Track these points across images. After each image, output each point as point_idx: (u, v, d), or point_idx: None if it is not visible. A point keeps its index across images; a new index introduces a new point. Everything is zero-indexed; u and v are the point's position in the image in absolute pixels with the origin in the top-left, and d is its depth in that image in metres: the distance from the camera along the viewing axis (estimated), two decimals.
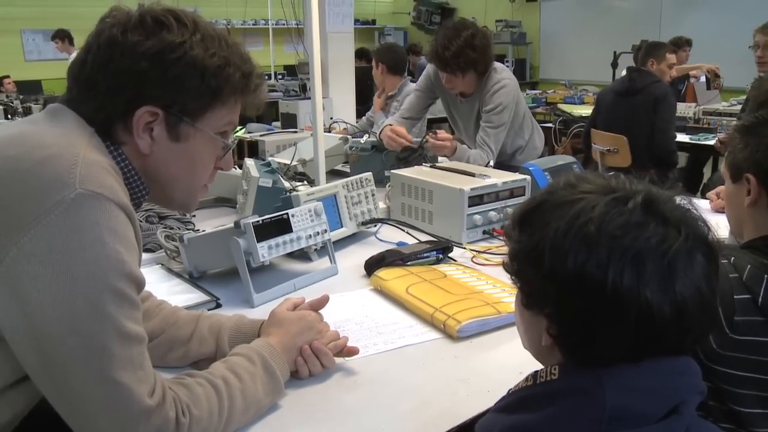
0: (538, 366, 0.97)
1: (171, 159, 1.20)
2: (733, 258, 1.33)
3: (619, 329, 0.84)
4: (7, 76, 9.22)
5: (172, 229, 2.13)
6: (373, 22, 14.21)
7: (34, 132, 1.09)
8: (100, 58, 1.12)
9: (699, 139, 4.96)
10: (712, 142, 4.86)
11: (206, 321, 1.41)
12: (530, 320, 0.96)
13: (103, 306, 0.98)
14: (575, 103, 6.76)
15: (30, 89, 9.32)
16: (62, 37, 8.96)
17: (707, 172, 5.63)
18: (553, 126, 5.71)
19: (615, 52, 7.29)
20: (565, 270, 0.85)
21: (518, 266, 0.95)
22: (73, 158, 1.03)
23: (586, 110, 6.11)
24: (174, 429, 1.03)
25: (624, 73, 5.12)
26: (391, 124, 3.21)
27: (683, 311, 0.84)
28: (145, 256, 2.02)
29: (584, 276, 0.83)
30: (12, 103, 7.11)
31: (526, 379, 0.95)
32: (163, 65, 1.12)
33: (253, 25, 12.32)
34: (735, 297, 1.27)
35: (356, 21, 8.60)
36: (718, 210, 2.35)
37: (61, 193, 0.98)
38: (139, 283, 1.06)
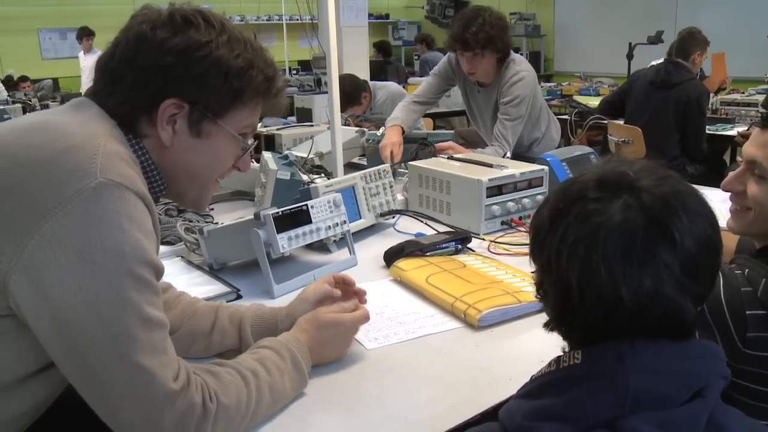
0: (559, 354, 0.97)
1: (190, 154, 1.21)
2: (747, 270, 1.30)
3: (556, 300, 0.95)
4: (26, 78, 9.30)
5: (191, 221, 2.15)
6: (387, 16, 14.20)
7: (56, 122, 1.11)
8: (127, 53, 1.15)
9: (717, 130, 4.92)
10: (730, 133, 4.83)
11: (225, 312, 1.42)
12: None
13: (125, 292, 1.00)
14: (590, 95, 6.72)
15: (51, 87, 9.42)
16: (89, 34, 9.06)
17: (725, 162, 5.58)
18: (569, 118, 5.67)
19: (630, 44, 7.23)
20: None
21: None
22: (94, 148, 1.05)
23: None
24: (200, 414, 1.04)
25: (654, 62, 5.06)
26: (396, 125, 3.20)
27: None
28: (164, 248, 2.03)
29: (539, 256, 0.95)
30: (30, 101, 7.17)
31: (549, 364, 0.95)
32: (189, 62, 1.14)
33: (266, 20, 12.34)
34: (748, 312, 1.25)
35: (370, 15, 8.62)
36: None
37: (83, 181, 1.00)
38: (158, 271, 1.08)
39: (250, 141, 1.30)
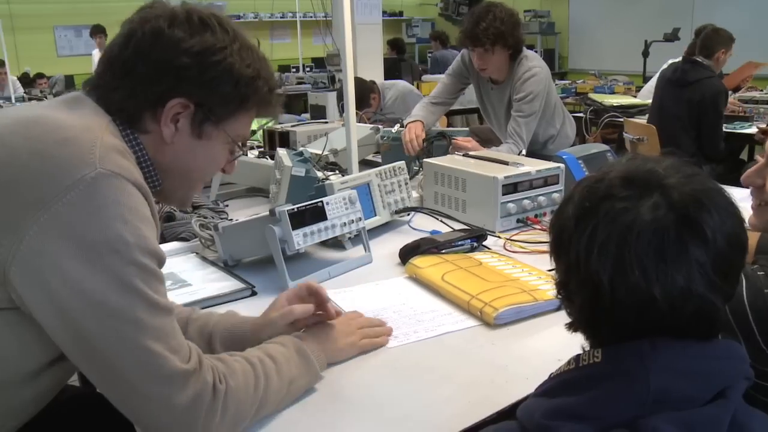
0: (577, 352, 0.96)
1: (188, 153, 1.23)
2: None
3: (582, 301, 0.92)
4: (42, 75, 9.36)
5: (206, 218, 2.14)
6: (401, 13, 14.19)
7: (51, 115, 1.10)
8: (142, 45, 1.15)
9: (735, 128, 4.87)
10: (748, 131, 4.78)
11: (195, 325, 1.40)
12: None
13: (130, 280, 1.00)
14: (605, 93, 6.65)
15: (65, 85, 9.51)
16: (102, 31, 9.10)
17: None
18: (584, 116, 5.64)
19: (646, 41, 7.19)
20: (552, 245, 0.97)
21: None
22: (92, 140, 1.05)
23: (617, 100, 6.03)
24: (211, 394, 1.05)
25: (670, 60, 5.01)
26: (418, 120, 3.20)
27: None
28: (179, 244, 2.03)
29: (560, 251, 0.94)
30: (45, 97, 7.23)
31: (568, 362, 0.94)
32: (203, 65, 1.16)
33: (280, 17, 12.37)
34: None
35: (383, 12, 8.60)
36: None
37: (82, 171, 1.00)
38: (160, 259, 1.08)
39: (245, 146, 1.35)
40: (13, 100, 6.96)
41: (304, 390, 1.24)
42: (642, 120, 5.01)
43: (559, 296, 0.98)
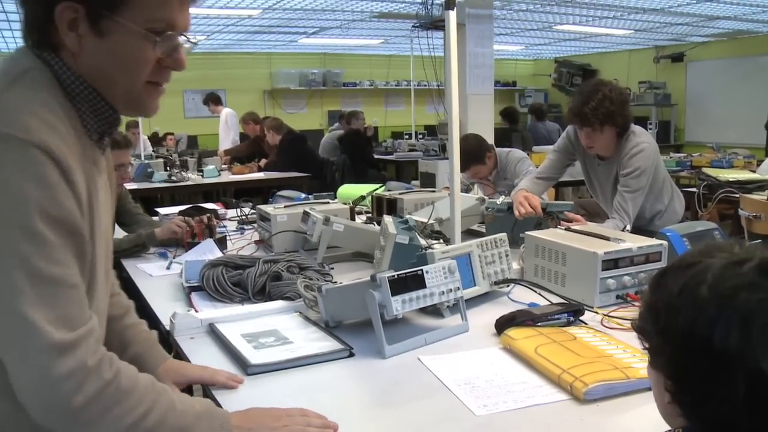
0: None
1: (99, 56, 1.13)
2: None
3: (729, 391, 0.84)
4: (171, 133, 9.99)
5: (311, 279, 2.25)
6: (514, 83, 14.33)
7: None
8: None
9: None
10: None
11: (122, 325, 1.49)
12: (655, 378, 0.98)
13: (13, 244, 0.98)
14: (723, 167, 6.46)
15: (188, 143, 10.13)
16: (213, 100, 9.62)
17: None
18: (697, 191, 5.50)
19: None
20: (676, 328, 0.89)
21: (641, 324, 0.99)
22: None
23: (733, 174, 5.84)
24: (95, 376, 1.02)
25: None
26: (526, 189, 3.26)
27: None
28: (284, 303, 2.13)
29: (693, 334, 0.86)
30: (171, 156, 7.69)
31: None
32: None
33: (395, 85, 12.74)
34: None
35: (496, 82, 8.76)
36: None
37: None
38: (62, 221, 1.03)
39: (169, 34, 1.16)
40: (143, 158, 7.43)
41: None
42: (761, 196, 4.84)
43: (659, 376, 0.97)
